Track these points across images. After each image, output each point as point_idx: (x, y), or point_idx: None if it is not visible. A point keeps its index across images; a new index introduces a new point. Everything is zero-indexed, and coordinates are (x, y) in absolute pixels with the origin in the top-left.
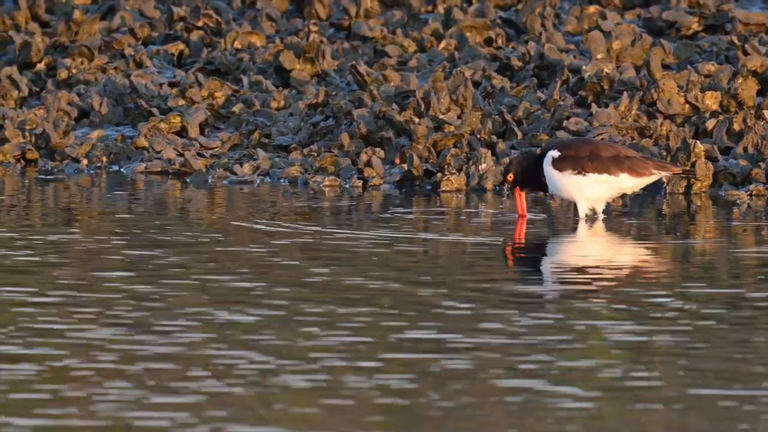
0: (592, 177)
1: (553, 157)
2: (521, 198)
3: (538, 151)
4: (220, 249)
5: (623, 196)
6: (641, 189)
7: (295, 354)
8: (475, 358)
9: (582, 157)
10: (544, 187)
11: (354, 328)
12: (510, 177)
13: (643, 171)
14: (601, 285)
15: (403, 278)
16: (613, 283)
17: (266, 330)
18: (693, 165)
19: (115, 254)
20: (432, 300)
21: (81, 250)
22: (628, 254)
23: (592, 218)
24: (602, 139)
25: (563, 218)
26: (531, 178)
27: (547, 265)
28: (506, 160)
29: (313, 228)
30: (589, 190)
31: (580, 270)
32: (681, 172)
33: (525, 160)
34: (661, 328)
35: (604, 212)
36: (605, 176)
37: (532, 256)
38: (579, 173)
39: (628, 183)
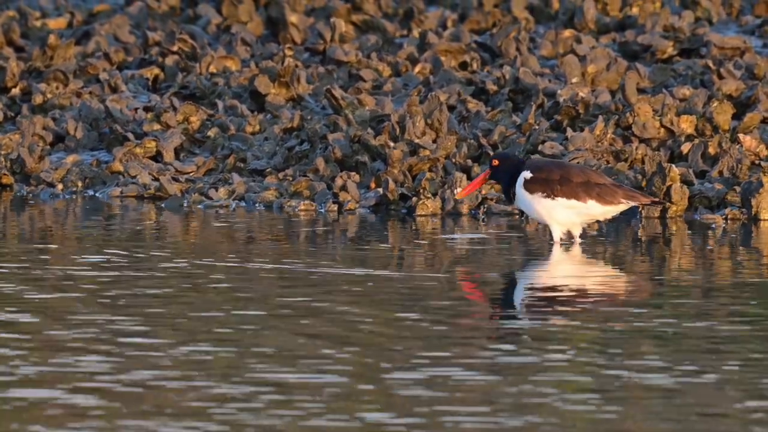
0: (561, 201)
1: (525, 178)
2: (478, 183)
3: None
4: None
5: (598, 220)
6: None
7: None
8: (454, 390)
9: (553, 180)
10: (508, 196)
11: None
12: (496, 162)
13: (611, 199)
14: (573, 312)
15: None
16: (585, 310)
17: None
18: (668, 189)
19: None
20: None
21: None
22: (599, 280)
23: (568, 242)
24: (578, 163)
25: (538, 242)
26: (506, 180)
27: (519, 293)
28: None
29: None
30: (559, 214)
31: (553, 298)
32: (650, 203)
33: (513, 163)
34: (640, 360)
35: (580, 236)
36: (573, 201)
37: (499, 283)
38: (548, 196)
39: (597, 210)
